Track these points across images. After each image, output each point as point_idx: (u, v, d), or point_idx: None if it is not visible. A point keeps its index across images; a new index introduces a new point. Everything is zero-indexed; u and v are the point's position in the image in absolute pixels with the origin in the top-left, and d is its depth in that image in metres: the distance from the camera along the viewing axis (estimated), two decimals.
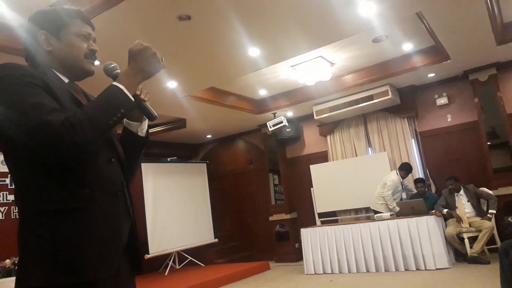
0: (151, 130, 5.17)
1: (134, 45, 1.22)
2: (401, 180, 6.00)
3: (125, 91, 1.14)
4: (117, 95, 1.13)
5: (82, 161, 1.12)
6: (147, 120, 1.36)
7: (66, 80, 1.26)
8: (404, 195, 6.19)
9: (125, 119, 1.35)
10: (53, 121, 1.02)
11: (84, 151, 1.08)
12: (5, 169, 5.54)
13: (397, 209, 5.71)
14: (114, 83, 1.15)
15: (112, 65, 1.27)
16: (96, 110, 1.09)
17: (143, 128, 1.36)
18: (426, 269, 5.00)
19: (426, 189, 6.05)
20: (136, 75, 1.20)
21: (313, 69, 5.40)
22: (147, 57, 1.20)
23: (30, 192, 1.11)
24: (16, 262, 4.22)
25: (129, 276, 1.26)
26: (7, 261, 4.39)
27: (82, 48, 1.27)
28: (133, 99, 1.16)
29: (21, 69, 1.11)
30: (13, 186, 1.17)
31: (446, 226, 5.39)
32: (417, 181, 6.01)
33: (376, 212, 6.03)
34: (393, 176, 5.99)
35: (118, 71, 1.26)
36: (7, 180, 5.67)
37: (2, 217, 5.57)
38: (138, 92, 1.24)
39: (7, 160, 1.15)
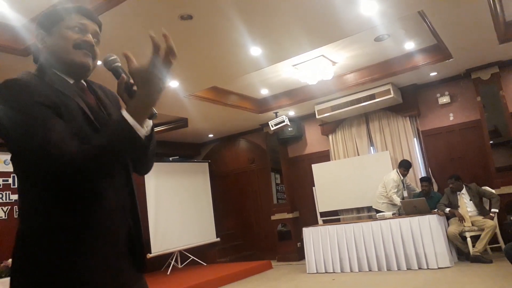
0: None
1: (141, 65, 1.04)
2: (402, 178, 6.00)
3: (135, 127, 1.01)
4: (126, 134, 1.01)
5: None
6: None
7: (72, 81, 1.18)
8: (405, 194, 6.18)
9: None
10: (66, 151, 0.97)
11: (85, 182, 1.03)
12: (8, 169, 5.58)
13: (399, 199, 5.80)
14: (124, 114, 1.01)
15: (112, 57, 1.16)
16: (103, 150, 1.00)
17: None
18: (428, 268, 4.99)
19: (431, 188, 6.04)
20: (147, 106, 1.04)
21: (315, 68, 5.40)
22: (158, 74, 1.02)
23: (33, 205, 1.07)
24: None
25: (135, 277, 1.21)
26: (10, 261, 4.41)
27: (71, 38, 1.16)
28: (144, 133, 1.05)
29: (29, 88, 1.04)
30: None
31: (448, 225, 5.38)
32: (422, 180, 5.99)
33: (378, 211, 6.03)
34: (393, 175, 6.00)
35: (119, 64, 1.16)
36: (10, 180, 5.69)
37: (5, 216, 5.59)
38: (135, 88, 1.08)
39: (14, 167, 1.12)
